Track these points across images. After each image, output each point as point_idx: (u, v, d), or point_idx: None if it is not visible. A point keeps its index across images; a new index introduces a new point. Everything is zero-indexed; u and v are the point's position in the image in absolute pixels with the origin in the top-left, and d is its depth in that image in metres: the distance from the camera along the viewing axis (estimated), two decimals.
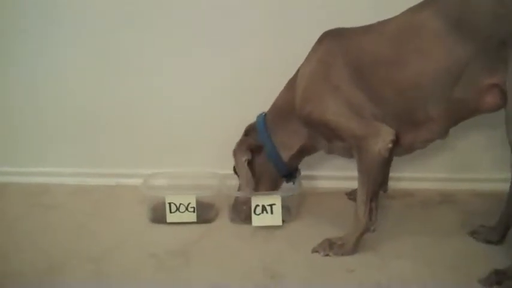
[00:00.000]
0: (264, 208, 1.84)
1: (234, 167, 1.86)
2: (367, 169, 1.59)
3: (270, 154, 1.82)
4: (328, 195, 2.14)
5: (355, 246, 1.67)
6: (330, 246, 1.68)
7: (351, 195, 2.04)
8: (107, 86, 2.15)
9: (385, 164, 1.62)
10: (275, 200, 1.83)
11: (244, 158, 1.78)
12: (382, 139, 1.55)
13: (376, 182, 1.64)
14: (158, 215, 1.91)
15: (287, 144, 1.81)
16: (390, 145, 1.55)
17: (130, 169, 2.21)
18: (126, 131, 2.21)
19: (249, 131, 1.87)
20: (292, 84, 1.78)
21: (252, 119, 1.90)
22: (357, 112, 1.58)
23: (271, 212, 1.84)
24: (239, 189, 1.89)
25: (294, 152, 1.84)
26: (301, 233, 1.85)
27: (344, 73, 1.61)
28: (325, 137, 1.72)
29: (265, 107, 1.87)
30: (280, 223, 1.84)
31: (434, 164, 2.17)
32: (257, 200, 1.84)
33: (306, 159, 1.91)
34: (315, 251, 1.69)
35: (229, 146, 1.90)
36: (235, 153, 1.82)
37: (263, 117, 1.84)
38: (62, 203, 2.10)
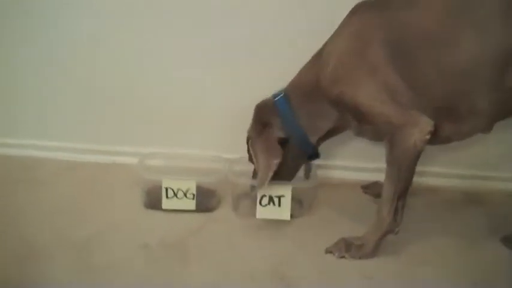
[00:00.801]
0: (271, 199, 1.68)
1: (249, 151, 1.68)
2: (399, 162, 1.44)
3: (299, 141, 1.65)
4: (344, 188, 1.97)
5: (375, 249, 1.52)
6: (346, 247, 1.53)
7: (368, 189, 1.92)
8: (105, 61, 1.99)
9: (418, 158, 1.45)
10: (285, 190, 1.67)
11: (276, 160, 1.59)
12: (419, 130, 1.40)
13: (407, 177, 1.48)
14: (153, 200, 1.74)
15: (315, 127, 1.64)
16: (428, 137, 1.41)
17: (128, 147, 2.07)
18: (125, 106, 2.05)
19: (267, 115, 1.66)
20: (317, 61, 1.59)
21: (261, 97, 1.70)
22: (394, 98, 1.42)
23: (279, 205, 1.68)
24: (254, 176, 1.72)
25: (322, 134, 1.67)
26: (314, 230, 1.68)
27: (382, 52, 1.43)
28: (355, 119, 1.55)
29: (277, 84, 1.69)
30: (288, 218, 1.69)
31: (460, 159, 1.99)
32: (264, 190, 1.66)
33: (321, 147, 1.72)
34: (328, 251, 1.54)
35: (236, 127, 1.75)
36: (260, 152, 1.62)
37: (284, 99, 1.64)
38: (52, 179, 1.93)
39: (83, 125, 2.09)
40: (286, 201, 1.67)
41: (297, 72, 1.65)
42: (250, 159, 1.68)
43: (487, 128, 1.49)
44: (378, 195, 1.69)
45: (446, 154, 1.95)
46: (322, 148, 1.73)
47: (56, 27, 1.94)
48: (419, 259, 1.54)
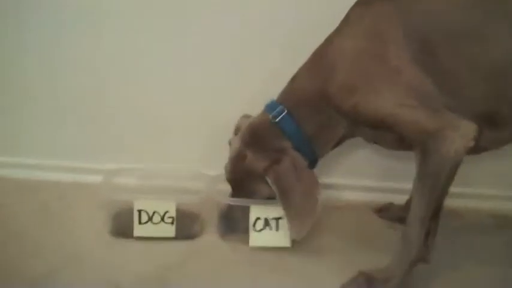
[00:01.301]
0: (267, 223, 1.47)
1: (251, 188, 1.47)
2: (435, 174, 1.25)
3: (308, 159, 1.44)
4: (348, 210, 1.77)
5: (403, 283, 1.30)
6: (367, 283, 1.29)
7: (382, 212, 1.73)
8: (68, 67, 1.81)
9: (457, 169, 1.28)
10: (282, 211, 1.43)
11: (319, 192, 1.39)
12: (461, 134, 1.23)
13: (443, 192, 1.33)
14: (121, 226, 1.49)
15: (323, 141, 1.46)
16: (472, 144, 1.24)
17: (94, 163, 1.85)
18: (92, 116, 1.86)
19: (271, 139, 1.44)
20: (318, 66, 1.41)
21: (248, 105, 1.54)
22: (424, 102, 1.26)
23: (277, 229, 1.47)
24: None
25: (330, 146, 1.48)
26: (320, 261, 1.45)
27: (405, 50, 1.27)
28: (373, 127, 1.38)
29: (268, 92, 1.49)
30: (288, 244, 1.47)
31: (486, 177, 1.83)
32: (258, 211, 1.46)
33: (321, 163, 1.54)
34: None
35: (220, 140, 1.60)
36: (294, 185, 1.38)
37: (290, 118, 1.43)
38: (5, 201, 1.69)
39: (42, 138, 1.88)
40: (286, 224, 1.43)
41: (292, 79, 1.46)
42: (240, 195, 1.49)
43: None
44: (395, 219, 1.61)
45: (469, 170, 1.72)
46: (322, 165, 1.56)
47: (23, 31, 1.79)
48: None
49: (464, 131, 1.23)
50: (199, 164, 1.74)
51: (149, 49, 1.75)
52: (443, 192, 1.33)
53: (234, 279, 1.35)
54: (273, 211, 1.44)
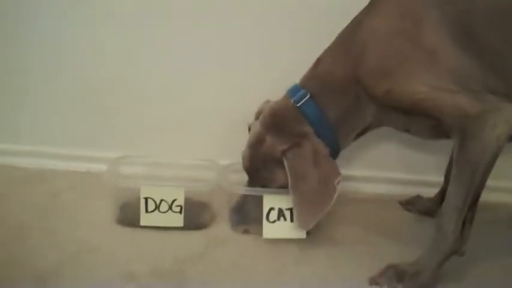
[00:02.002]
0: (281, 213, 1.38)
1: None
2: (475, 161, 1.18)
3: (328, 143, 1.35)
4: (374, 202, 1.68)
5: (435, 276, 1.23)
6: (398, 277, 1.23)
7: (410, 204, 1.64)
8: (75, 56, 1.73)
9: (498, 156, 1.20)
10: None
11: (338, 180, 1.29)
12: (504, 120, 1.15)
13: (482, 180, 1.23)
14: (128, 215, 1.42)
15: (347, 129, 1.38)
16: None
17: (105, 152, 1.73)
18: (103, 106, 1.77)
19: (292, 124, 1.34)
20: (346, 48, 1.32)
21: (259, 94, 1.47)
22: (464, 85, 1.19)
23: (292, 220, 1.38)
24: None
25: (354, 135, 1.40)
26: (346, 252, 1.37)
27: (444, 30, 1.19)
28: (406, 114, 1.30)
29: (280, 76, 1.42)
30: (303, 236, 1.38)
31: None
32: (271, 201, 1.37)
33: (341, 154, 1.45)
34: (374, 282, 1.25)
35: (231, 130, 1.58)
36: (312, 171, 1.30)
37: (313, 103, 1.34)
38: (8, 192, 1.59)
39: (52, 127, 1.80)
40: None
41: (316, 63, 1.37)
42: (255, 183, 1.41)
43: None
44: (424, 212, 1.56)
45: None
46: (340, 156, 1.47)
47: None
48: None
49: (507, 115, 1.16)
50: (208, 153, 1.65)
51: (160, 39, 1.68)
52: (482, 181, 1.24)
53: (253, 272, 1.27)
54: (288, 201, 1.34)
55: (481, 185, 1.25)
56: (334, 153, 1.37)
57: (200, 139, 1.74)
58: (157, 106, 1.74)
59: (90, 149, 1.77)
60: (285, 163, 1.29)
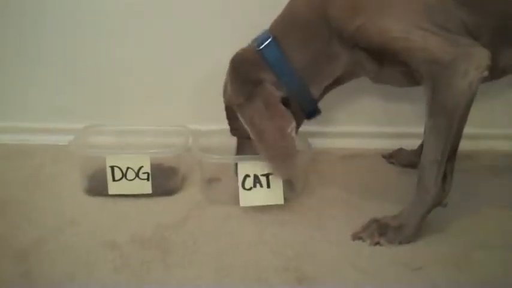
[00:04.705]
0: (257, 180, 1.33)
1: (231, 121, 1.36)
2: (449, 110, 1.15)
3: (299, 97, 1.29)
4: (353, 159, 1.65)
5: (418, 229, 1.23)
6: (380, 230, 1.22)
7: (393, 158, 1.62)
8: (51, 25, 1.66)
9: (472, 102, 1.17)
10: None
11: (292, 125, 1.23)
12: (475, 65, 1.12)
13: (459, 129, 1.20)
14: (97, 185, 1.40)
15: (319, 77, 1.29)
16: (486, 73, 1.13)
17: (67, 123, 1.71)
18: (62, 72, 1.71)
19: (253, 71, 1.27)
20: None
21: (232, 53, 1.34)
22: (439, 23, 1.14)
23: (268, 186, 1.33)
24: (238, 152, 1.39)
25: (327, 85, 1.31)
26: (329, 210, 1.35)
27: None
28: (377, 59, 1.23)
29: (250, 21, 1.36)
30: (281, 201, 1.34)
31: (497, 117, 1.71)
32: (246, 168, 1.32)
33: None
34: (357, 237, 1.24)
35: (203, 92, 1.58)
36: (261, 120, 1.25)
37: (275, 46, 1.26)
38: None
39: (29, 101, 1.75)
40: (277, 180, 1.33)
41: (287, 5, 1.30)
42: (236, 132, 1.37)
43: None
44: (407, 164, 1.54)
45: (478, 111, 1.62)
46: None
47: None
48: (474, 240, 1.24)
49: (478, 61, 1.12)
50: (179, 119, 1.62)
51: (129, 6, 1.63)
52: (459, 131, 1.21)
53: (237, 235, 1.25)
54: (263, 167, 1.31)
55: (458, 134, 1.22)
56: (309, 103, 1.31)
57: (173, 105, 1.69)
58: (138, 76, 1.69)
59: (70, 121, 1.71)
60: (240, 118, 1.26)
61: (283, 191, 1.33)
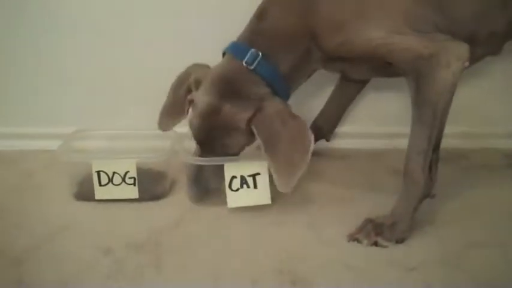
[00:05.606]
0: (243, 180, 1.33)
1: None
2: (433, 101, 1.20)
3: (283, 98, 1.32)
4: (345, 159, 1.66)
5: (412, 222, 1.24)
6: (376, 230, 1.23)
7: None
8: (39, 30, 1.65)
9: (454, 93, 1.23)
10: (260, 167, 1.33)
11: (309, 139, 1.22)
12: (456, 57, 1.18)
13: (443, 120, 1.29)
14: (86, 190, 1.40)
15: (297, 79, 1.35)
16: (467, 63, 1.19)
17: (52, 127, 1.69)
18: (47, 76, 1.70)
19: (248, 87, 1.27)
20: (297, 2, 1.28)
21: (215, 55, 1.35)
22: (417, 28, 1.21)
23: (255, 186, 1.33)
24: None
25: (302, 82, 1.39)
26: (323, 210, 1.36)
27: None
28: (360, 61, 1.30)
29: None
30: (268, 201, 1.34)
31: (493, 115, 1.73)
32: (233, 169, 1.32)
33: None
34: (353, 238, 1.24)
35: None
36: (281, 134, 1.23)
37: (267, 64, 1.28)
38: None
39: (19, 107, 1.74)
40: (264, 180, 1.33)
41: (259, 17, 1.31)
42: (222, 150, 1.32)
43: (499, 50, 1.36)
44: None
45: (474, 109, 1.71)
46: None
47: None
48: (469, 237, 1.25)
49: (458, 52, 1.18)
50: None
51: (120, 10, 1.63)
52: (443, 120, 1.29)
53: (232, 238, 1.25)
54: (249, 167, 1.31)
55: (442, 124, 1.30)
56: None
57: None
58: (127, 81, 1.68)
59: (59, 126, 1.67)
60: (254, 131, 1.23)
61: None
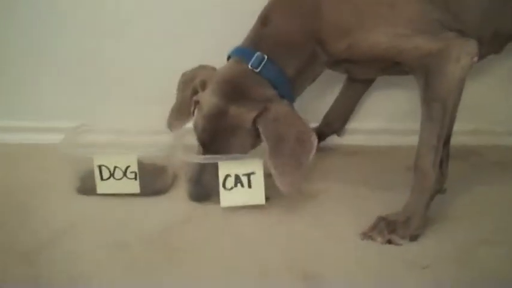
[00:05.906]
0: (238, 179, 1.32)
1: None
2: (443, 96, 1.20)
3: (289, 100, 1.33)
4: (354, 156, 1.64)
5: (425, 219, 1.23)
6: (389, 228, 1.21)
7: None
8: (37, 25, 1.65)
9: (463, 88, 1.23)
10: (255, 166, 1.31)
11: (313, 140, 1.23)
12: (465, 52, 1.19)
13: (453, 115, 1.27)
14: (88, 184, 1.39)
15: (302, 82, 1.35)
16: (476, 59, 1.20)
17: (57, 121, 1.68)
18: (51, 69, 1.69)
19: (255, 89, 1.27)
20: (298, 6, 1.29)
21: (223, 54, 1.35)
22: (423, 29, 1.22)
23: (249, 185, 1.31)
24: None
25: (308, 85, 1.38)
26: (335, 208, 1.34)
27: None
28: (368, 62, 1.30)
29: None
30: (262, 201, 1.32)
31: (506, 113, 1.71)
32: (227, 168, 1.30)
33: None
34: (367, 237, 1.22)
35: None
36: (288, 134, 1.24)
37: (273, 66, 1.27)
38: None
39: (17, 101, 1.73)
40: (258, 179, 1.31)
41: (263, 22, 1.31)
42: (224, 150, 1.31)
43: (501, 50, 1.37)
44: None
45: (485, 106, 1.70)
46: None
47: None
48: (481, 234, 1.24)
49: (467, 48, 1.19)
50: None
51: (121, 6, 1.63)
52: (453, 116, 1.28)
53: (242, 235, 1.24)
54: (244, 166, 1.30)
55: (452, 120, 1.28)
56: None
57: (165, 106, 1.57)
58: (130, 76, 1.68)
59: (63, 120, 1.67)
60: (260, 129, 1.22)
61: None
